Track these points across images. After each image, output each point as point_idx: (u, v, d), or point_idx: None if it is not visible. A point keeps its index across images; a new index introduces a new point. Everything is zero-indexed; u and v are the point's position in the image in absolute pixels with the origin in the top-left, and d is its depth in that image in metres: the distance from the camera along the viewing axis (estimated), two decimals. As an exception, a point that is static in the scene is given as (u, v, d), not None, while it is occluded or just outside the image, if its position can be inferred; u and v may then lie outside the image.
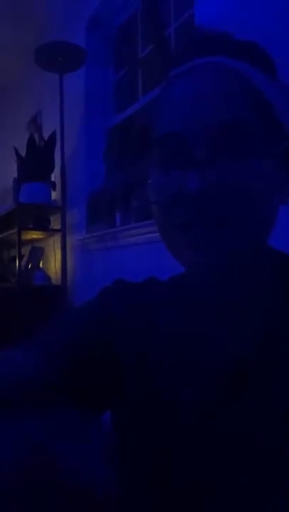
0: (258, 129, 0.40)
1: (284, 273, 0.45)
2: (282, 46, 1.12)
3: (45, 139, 2.58)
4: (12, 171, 2.86)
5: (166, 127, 0.42)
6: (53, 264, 2.65)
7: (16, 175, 2.75)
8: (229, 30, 0.45)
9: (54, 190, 2.51)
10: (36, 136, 2.74)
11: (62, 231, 2.32)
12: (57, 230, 2.45)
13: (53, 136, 2.47)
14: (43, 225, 2.59)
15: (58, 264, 2.45)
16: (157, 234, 0.45)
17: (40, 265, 2.74)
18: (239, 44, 0.43)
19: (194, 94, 0.41)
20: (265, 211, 0.42)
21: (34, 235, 2.70)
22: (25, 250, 2.69)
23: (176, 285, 0.51)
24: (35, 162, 2.49)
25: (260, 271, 0.44)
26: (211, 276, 0.42)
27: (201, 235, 0.39)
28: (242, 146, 0.39)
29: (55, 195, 2.52)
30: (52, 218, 2.61)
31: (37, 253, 2.72)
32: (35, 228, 2.58)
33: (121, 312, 0.49)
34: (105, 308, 0.51)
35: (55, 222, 2.54)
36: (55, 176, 2.51)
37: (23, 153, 2.59)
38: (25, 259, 2.68)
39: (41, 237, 2.75)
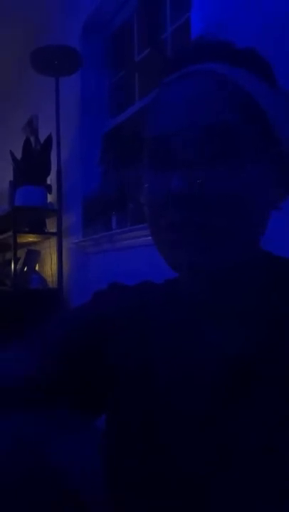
0: (246, 134, 0.40)
1: (273, 275, 0.45)
2: (278, 51, 1.13)
3: (41, 142, 2.58)
4: (8, 173, 2.85)
5: (154, 131, 0.43)
6: (49, 267, 2.65)
7: (11, 178, 2.75)
8: (225, 34, 0.46)
9: (50, 193, 2.51)
10: (32, 139, 2.74)
11: (58, 234, 2.31)
12: (53, 233, 2.44)
13: (49, 139, 2.47)
14: (38, 228, 2.59)
15: (54, 267, 2.44)
16: (153, 237, 0.46)
17: (36, 268, 2.74)
18: (237, 52, 0.44)
19: (182, 99, 0.42)
20: (251, 215, 0.42)
21: (30, 238, 2.69)
22: (21, 253, 2.68)
23: (170, 288, 0.51)
24: (31, 165, 2.49)
25: (247, 273, 0.44)
26: (195, 278, 0.43)
27: (184, 237, 0.40)
28: (228, 150, 0.40)
29: (51, 198, 2.52)
30: (48, 221, 2.61)
31: (33, 256, 2.72)
32: (31, 231, 2.58)
33: (114, 314, 0.50)
34: (98, 309, 0.51)
35: (51, 226, 2.54)
36: (51, 179, 2.51)
37: (18, 156, 2.59)
38: (21, 262, 2.67)
39: (37, 240, 2.75)
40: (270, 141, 0.43)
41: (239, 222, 0.41)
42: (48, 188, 2.51)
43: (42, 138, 2.61)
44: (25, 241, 2.72)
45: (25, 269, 2.66)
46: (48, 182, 2.53)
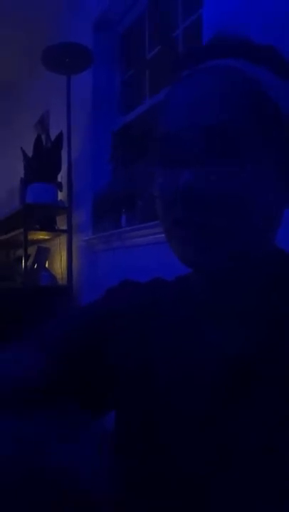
0: (257, 133, 0.40)
1: (278, 277, 0.45)
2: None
3: (52, 139, 2.59)
4: (19, 171, 2.87)
5: (165, 128, 0.43)
6: (58, 265, 2.66)
7: (22, 175, 2.77)
8: (237, 31, 0.45)
9: (60, 190, 2.52)
10: (43, 137, 2.75)
11: (69, 231, 2.32)
12: (63, 231, 2.45)
13: (60, 136, 2.48)
14: (49, 226, 2.60)
15: (64, 265, 2.45)
16: (163, 235, 0.46)
17: (46, 265, 2.75)
18: (256, 48, 0.43)
19: (194, 96, 0.41)
20: (259, 215, 0.42)
21: (40, 235, 2.71)
22: (32, 250, 2.70)
23: (181, 285, 0.51)
24: (42, 163, 2.50)
25: (253, 275, 0.44)
26: (207, 277, 0.43)
27: (192, 234, 0.40)
28: (238, 148, 0.39)
29: (61, 195, 2.53)
30: (58, 219, 2.62)
31: (43, 253, 2.73)
32: (41, 229, 2.59)
33: (125, 311, 0.50)
34: (109, 306, 0.51)
35: (62, 223, 2.55)
36: (61, 177, 2.52)
37: (30, 153, 2.60)
38: (31, 259, 2.69)
39: (47, 237, 2.76)
40: (283, 141, 0.42)
41: (246, 222, 0.41)
42: (59, 186, 2.52)
43: (53, 135, 2.62)
44: (35, 238, 2.74)
45: (35, 266, 2.67)
46: (59, 179, 2.54)
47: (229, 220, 0.40)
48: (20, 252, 2.61)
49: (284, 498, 0.36)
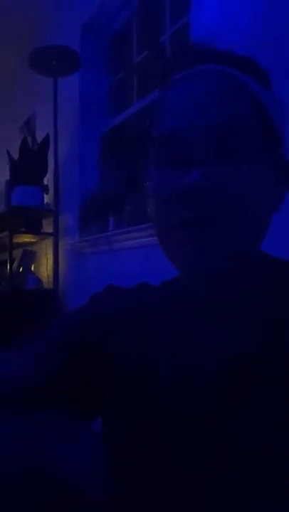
0: (257, 134, 0.41)
1: (271, 276, 0.45)
2: (275, 55, 1.13)
3: (39, 142, 2.58)
4: (4, 173, 2.85)
5: (166, 128, 0.43)
6: (45, 268, 2.64)
7: (8, 177, 2.74)
8: (224, 38, 0.47)
9: (47, 193, 2.51)
10: (29, 139, 2.73)
11: (55, 235, 2.31)
12: (49, 234, 2.44)
13: (46, 139, 2.47)
14: (35, 229, 2.58)
15: (50, 268, 2.44)
16: (150, 238, 0.46)
17: (32, 269, 2.73)
18: (240, 58, 0.45)
19: (196, 96, 0.42)
20: (259, 216, 0.43)
21: (26, 238, 2.69)
22: (17, 254, 2.67)
23: (168, 289, 0.51)
24: (28, 165, 2.49)
25: (247, 274, 0.45)
26: (205, 277, 0.43)
27: (200, 235, 0.40)
28: (241, 150, 0.40)
29: (47, 198, 2.52)
30: (44, 222, 2.60)
31: (29, 256, 2.71)
32: (27, 231, 2.57)
33: (112, 316, 0.49)
34: (95, 312, 0.51)
35: (48, 226, 2.53)
36: (48, 180, 2.50)
37: (15, 156, 2.58)
38: (16, 262, 2.66)
39: (33, 240, 2.74)
40: (276, 143, 0.44)
41: (248, 223, 0.41)
42: (45, 189, 2.50)
43: (39, 138, 2.61)
44: (21, 241, 2.71)
45: (21, 269, 2.65)
46: (45, 182, 2.52)
47: (232, 221, 0.40)
48: (5, 255, 2.59)
49: (284, 498, 0.36)
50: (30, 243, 2.79)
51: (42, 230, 2.60)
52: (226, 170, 0.40)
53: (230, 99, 0.41)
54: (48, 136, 2.45)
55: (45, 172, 2.50)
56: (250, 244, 0.44)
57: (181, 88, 0.43)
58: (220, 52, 0.45)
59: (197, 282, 0.45)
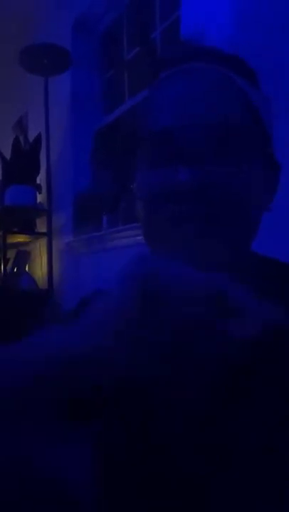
0: (249, 132, 0.41)
1: (262, 275, 0.45)
2: (266, 51, 1.13)
3: (31, 141, 2.57)
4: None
5: (157, 125, 0.42)
6: (39, 268, 2.63)
7: (0, 177, 2.73)
8: (214, 33, 0.46)
9: (40, 192, 2.49)
10: (22, 139, 2.72)
11: (49, 234, 2.30)
12: (43, 233, 2.43)
13: (38, 138, 2.45)
14: (28, 228, 2.57)
15: (45, 268, 2.43)
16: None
17: (27, 269, 2.72)
18: (228, 57, 0.45)
19: (188, 94, 0.42)
20: (250, 215, 0.43)
21: (20, 238, 2.67)
22: (11, 254, 2.66)
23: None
24: (21, 164, 2.47)
25: (240, 273, 0.45)
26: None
27: (194, 231, 0.40)
28: (234, 146, 0.40)
29: (41, 197, 2.50)
30: (38, 221, 2.59)
31: (23, 257, 2.70)
32: (20, 231, 2.56)
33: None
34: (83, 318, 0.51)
35: (41, 226, 2.52)
36: (40, 179, 2.49)
37: (7, 155, 2.56)
38: (10, 263, 2.65)
39: (27, 240, 2.73)
40: (265, 142, 0.44)
41: (240, 222, 0.41)
42: (38, 188, 2.49)
43: (32, 137, 2.60)
44: (14, 241, 2.70)
45: (15, 269, 2.64)
46: (38, 181, 2.51)
47: (232, 216, 0.40)
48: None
49: (284, 498, 0.36)
50: (24, 243, 2.78)
51: (36, 230, 2.59)
52: (220, 169, 0.39)
53: (220, 97, 0.41)
54: (40, 135, 2.44)
55: (38, 171, 2.49)
56: (243, 243, 0.44)
57: (170, 86, 0.43)
58: (209, 50, 0.45)
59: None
